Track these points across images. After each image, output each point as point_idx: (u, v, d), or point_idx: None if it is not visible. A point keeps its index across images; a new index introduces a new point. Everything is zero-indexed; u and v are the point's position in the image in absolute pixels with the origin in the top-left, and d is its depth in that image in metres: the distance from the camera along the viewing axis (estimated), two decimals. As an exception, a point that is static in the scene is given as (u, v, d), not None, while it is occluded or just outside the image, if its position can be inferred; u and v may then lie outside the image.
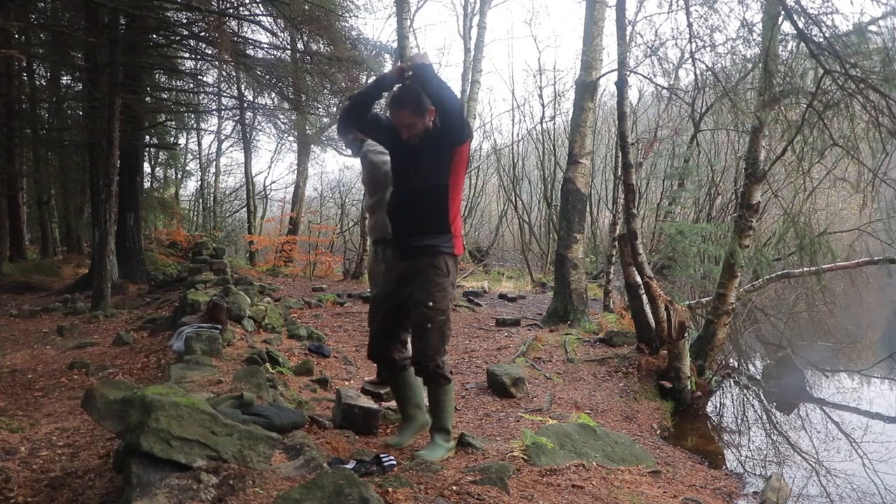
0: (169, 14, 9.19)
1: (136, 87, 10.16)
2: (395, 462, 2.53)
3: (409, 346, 2.94)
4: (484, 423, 3.84)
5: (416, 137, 2.73)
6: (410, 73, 2.63)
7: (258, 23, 9.63)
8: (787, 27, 3.85)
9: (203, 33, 9.04)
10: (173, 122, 14.67)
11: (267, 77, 10.35)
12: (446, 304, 2.78)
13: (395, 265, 2.93)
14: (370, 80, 2.98)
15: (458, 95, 2.72)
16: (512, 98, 30.22)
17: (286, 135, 19.93)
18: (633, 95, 14.94)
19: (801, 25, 3.62)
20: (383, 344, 2.95)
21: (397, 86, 2.73)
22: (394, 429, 3.45)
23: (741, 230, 5.02)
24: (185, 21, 9.35)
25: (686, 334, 4.89)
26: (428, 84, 2.59)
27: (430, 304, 2.73)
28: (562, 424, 3.37)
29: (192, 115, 16.33)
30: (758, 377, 6.36)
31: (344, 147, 3.94)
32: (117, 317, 7.27)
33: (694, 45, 5.31)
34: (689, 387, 4.88)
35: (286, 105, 12.37)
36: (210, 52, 9.82)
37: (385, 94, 2.85)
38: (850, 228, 10.95)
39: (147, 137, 12.42)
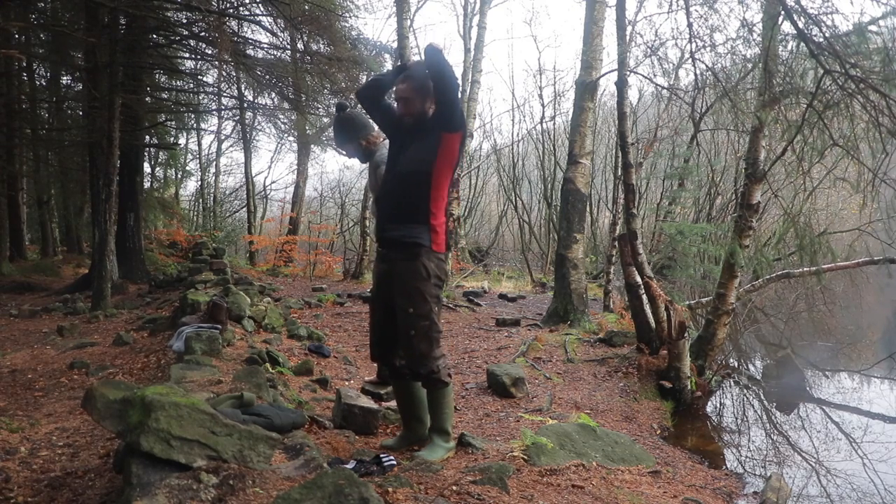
0: (169, 14, 9.19)
1: (136, 87, 10.16)
2: (395, 462, 2.54)
3: None
4: (484, 423, 3.85)
5: (410, 118, 2.71)
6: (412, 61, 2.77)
7: (258, 23, 9.63)
8: (787, 27, 3.86)
9: (203, 33, 9.04)
10: (173, 122, 14.68)
11: (267, 77, 10.35)
12: (427, 308, 2.68)
13: (377, 265, 2.87)
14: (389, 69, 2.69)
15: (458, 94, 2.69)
16: (512, 98, 30.32)
17: (286, 135, 19.93)
18: (633, 95, 14.96)
19: (801, 25, 3.62)
20: (381, 347, 2.91)
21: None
22: (394, 429, 3.46)
23: (741, 230, 5.02)
24: (185, 21, 9.35)
25: (686, 334, 4.89)
26: (434, 61, 2.57)
27: (410, 309, 2.65)
28: (562, 424, 3.37)
29: (192, 115, 16.34)
30: (758, 377, 6.36)
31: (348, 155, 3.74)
32: (117, 317, 7.27)
33: (694, 45, 5.31)
34: (689, 387, 4.88)
35: (286, 105, 12.36)
36: (210, 52, 9.82)
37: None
38: (850, 228, 10.97)
39: (147, 137, 12.42)
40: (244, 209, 20.46)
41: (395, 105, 2.81)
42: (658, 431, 4.19)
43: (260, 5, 9.24)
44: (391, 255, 2.73)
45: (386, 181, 2.79)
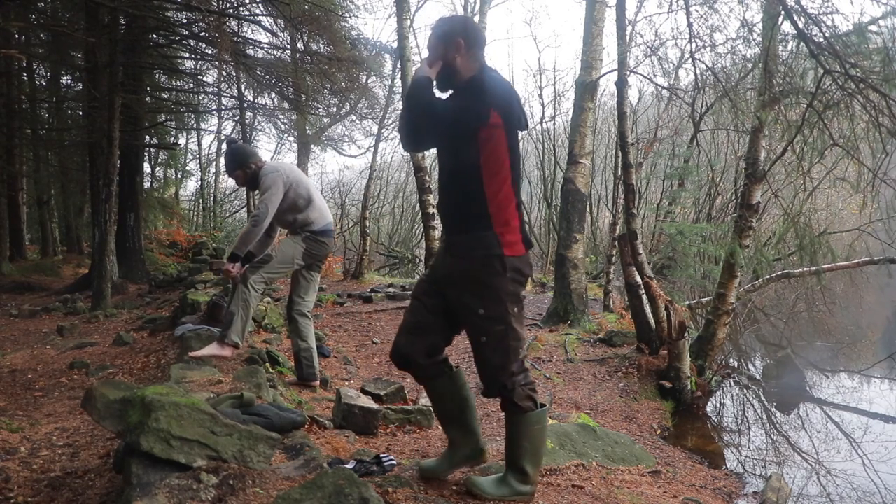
0: (169, 14, 9.19)
1: (136, 87, 10.17)
2: (395, 462, 2.53)
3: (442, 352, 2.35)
4: (484, 423, 3.84)
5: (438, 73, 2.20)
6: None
7: (258, 23, 9.64)
8: (787, 27, 3.86)
9: (203, 33, 9.05)
10: (173, 122, 14.68)
11: (267, 77, 10.36)
12: (502, 309, 2.13)
13: (441, 254, 2.32)
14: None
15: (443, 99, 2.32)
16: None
17: (286, 135, 19.95)
18: (633, 95, 14.95)
19: (801, 25, 3.62)
20: (408, 339, 2.27)
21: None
22: (394, 429, 3.46)
23: (741, 230, 5.02)
24: (185, 21, 9.36)
25: (686, 334, 4.89)
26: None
27: (481, 311, 2.14)
28: (562, 424, 3.37)
29: (192, 115, 16.35)
30: (758, 377, 6.36)
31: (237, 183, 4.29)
32: (117, 317, 7.27)
33: (694, 45, 5.32)
34: (689, 387, 4.88)
35: (286, 105, 12.38)
36: (210, 52, 9.83)
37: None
38: (850, 228, 10.97)
39: (147, 137, 12.43)
40: (244, 209, 20.45)
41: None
42: (658, 431, 4.19)
43: (260, 5, 9.25)
44: (458, 253, 2.23)
45: (440, 178, 2.33)
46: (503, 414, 2.29)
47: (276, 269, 3.68)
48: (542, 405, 2.26)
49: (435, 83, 2.23)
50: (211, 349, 3.56)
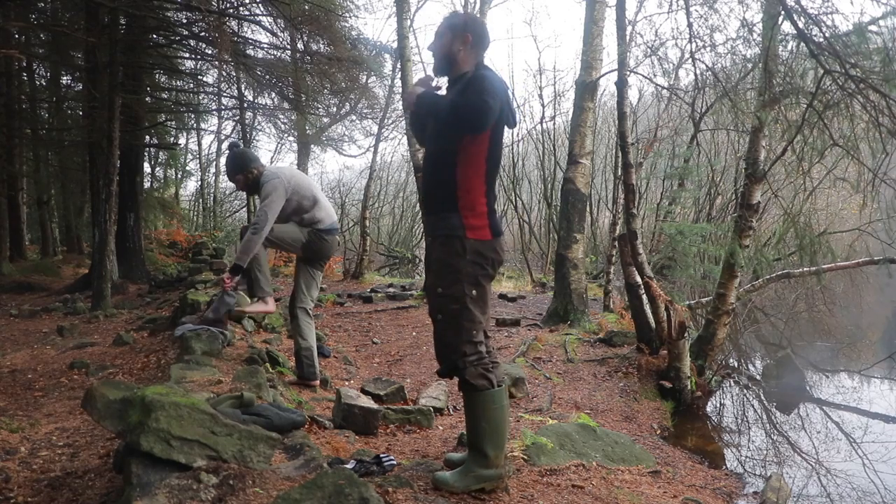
0: (169, 14, 9.20)
1: (136, 87, 10.17)
2: (395, 462, 2.53)
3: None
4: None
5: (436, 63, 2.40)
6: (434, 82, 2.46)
7: (258, 23, 9.64)
8: (787, 27, 3.86)
9: (203, 33, 9.05)
10: (173, 122, 14.69)
11: (267, 77, 10.36)
12: (459, 289, 2.22)
13: None
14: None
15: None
16: (512, 98, 30.33)
17: (286, 135, 19.97)
18: (633, 95, 14.95)
19: (801, 25, 3.62)
20: None
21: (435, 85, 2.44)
22: (394, 429, 3.46)
23: (741, 230, 5.02)
24: (185, 21, 9.36)
25: (686, 334, 4.89)
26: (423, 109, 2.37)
27: (439, 289, 2.26)
28: (562, 424, 3.37)
29: (192, 115, 16.36)
30: (758, 377, 6.36)
31: (237, 187, 4.38)
32: (117, 317, 7.27)
33: (694, 45, 5.32)
34: (689, 387, 4.88)
35: (286, 105, 12.38)
36: (210, 52, 9.83)
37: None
38: (850, 228, 10.96)
39: (147, 137, 12.44)
40: (244, 209, 20.46)
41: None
42: (658, 431, 4.19)
43: (260, 5, 9.25)
44: (428, 232, 2.42)
45: (423, 163, 2.49)
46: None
47: (286, 234, 3.74)
48: (500, 384, 2.28)
49: (433, 68, 2.43)
50: (257, 307, 3.89)
